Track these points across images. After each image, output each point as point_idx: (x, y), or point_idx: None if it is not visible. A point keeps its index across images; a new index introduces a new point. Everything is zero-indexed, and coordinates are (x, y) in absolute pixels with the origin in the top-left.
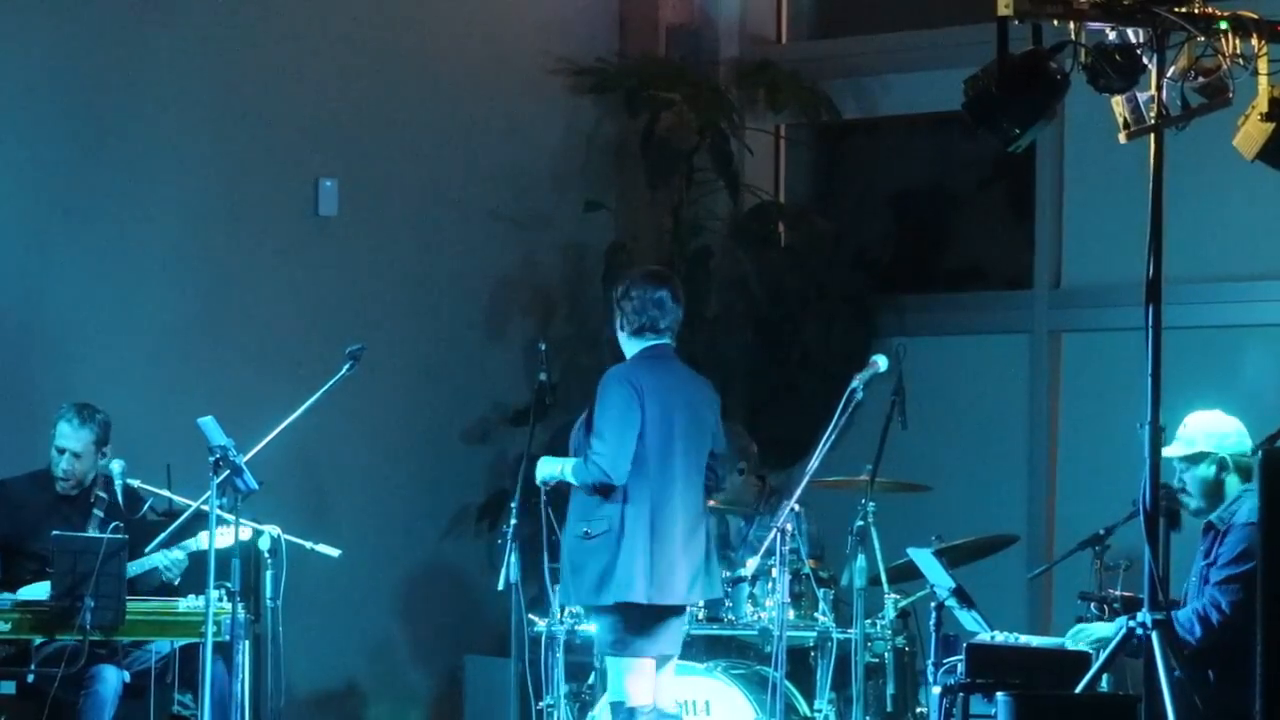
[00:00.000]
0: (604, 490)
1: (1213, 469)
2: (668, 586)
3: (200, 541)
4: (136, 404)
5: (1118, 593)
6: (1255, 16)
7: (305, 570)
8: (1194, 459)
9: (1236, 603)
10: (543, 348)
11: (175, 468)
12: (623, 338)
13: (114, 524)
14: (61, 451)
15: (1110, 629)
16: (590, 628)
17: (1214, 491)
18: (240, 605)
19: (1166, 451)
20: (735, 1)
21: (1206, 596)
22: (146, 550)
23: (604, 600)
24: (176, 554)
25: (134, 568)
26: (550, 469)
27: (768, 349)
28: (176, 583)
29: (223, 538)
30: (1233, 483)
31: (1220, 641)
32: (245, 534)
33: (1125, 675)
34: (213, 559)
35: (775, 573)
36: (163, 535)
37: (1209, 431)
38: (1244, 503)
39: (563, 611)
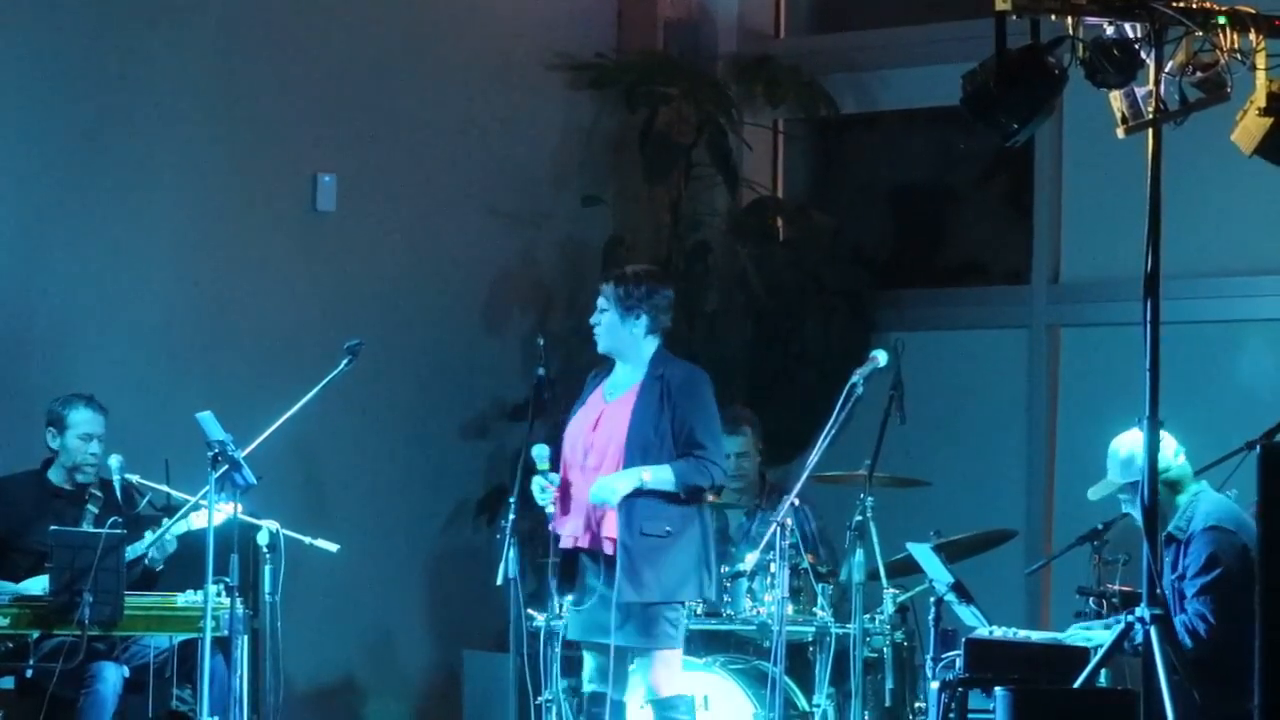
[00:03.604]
0: (703, 492)
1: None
2: (718, 579)
3: (191, 522)
4: (135, 399)
5: (1116, 587)
6: (1253, 11)
7: (304, 565)
8: (1133, 487)
9: (1218, 610)
10: (541, 342)
11: (173, 463)
12: (636, 333)
13: (112, 519)
14: (89, 438)
15: (1105, 636)
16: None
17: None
18: (239, 600)
19: (1099, 491)
20: None
21: (1190, 610)
22: (143, 547)
23: (693, 595)
24: (167, 538)
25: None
26: (627, 481)
27: (766, 344)
28: (159, 569)
29: (215, 516)
30: (1172, 499)
31: (1211, 649)
32: (231, 509)
33: (1124, 670)
34: (211, 555)
35: (774, 568)
36: (160, 531)
37: (1128, 455)
38: (1198, 508)
39: (561, 607)
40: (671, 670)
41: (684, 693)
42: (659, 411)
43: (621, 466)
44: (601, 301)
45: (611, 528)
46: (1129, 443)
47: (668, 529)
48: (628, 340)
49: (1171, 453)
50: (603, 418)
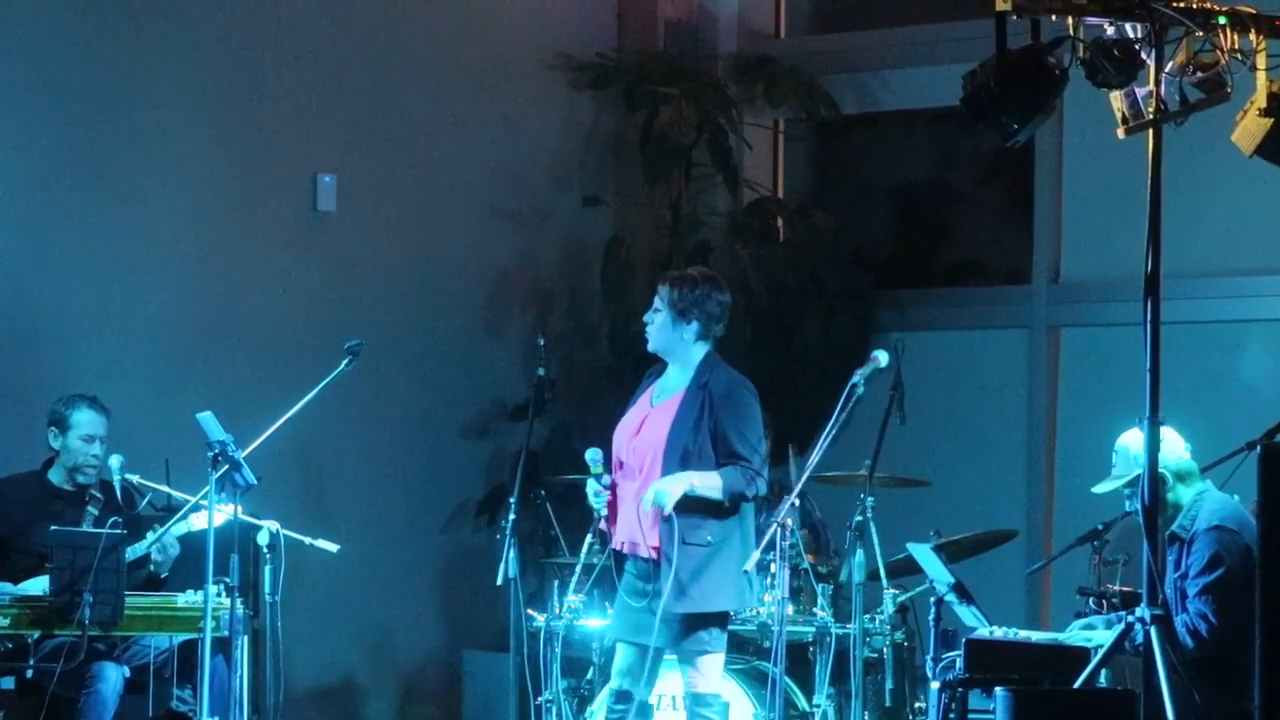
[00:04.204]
0: (747, 501)
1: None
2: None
3: (191, 523)
4: (135, 399)
5: (1116, 587)
6: (1253, 11)
7: (304, 565)
8: (1135, 483)
9: (1220, 610)
10: (541, 343)
11: (174, 463)
12: (686, 338)
13: (113, 519)
14: (91, 439)
15: (1105, 636)
16: (586, 620)
17: (1163, 507)
18: (239, 600)
19: (1105, 487)
20: None
21: (1192, 609)
22: (143, 548)
23: (734, 605)
24: (169, 539)
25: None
26: (678, 486)
27: (767, 344)
28: (164, 575)
29: (215, 518)
30: (1181, 491)
31: (1212, 649)
32: (230, 512)
33: (1124, 670)
34: (211, 556)
35: (774, 568)
36: (161, 530)
37: (1138, 452)
38: (1203, 508)
39: (561, 606)
40: (708, 672)
41: (718, 692)
42: (699, 420)
43: (660, 473)
44: (657, 301)
45: (653, 535)
46: (1137, 439)
47: (710, 539)
48: (677, 343)
49: (1181, 448)
50: (646, 422)
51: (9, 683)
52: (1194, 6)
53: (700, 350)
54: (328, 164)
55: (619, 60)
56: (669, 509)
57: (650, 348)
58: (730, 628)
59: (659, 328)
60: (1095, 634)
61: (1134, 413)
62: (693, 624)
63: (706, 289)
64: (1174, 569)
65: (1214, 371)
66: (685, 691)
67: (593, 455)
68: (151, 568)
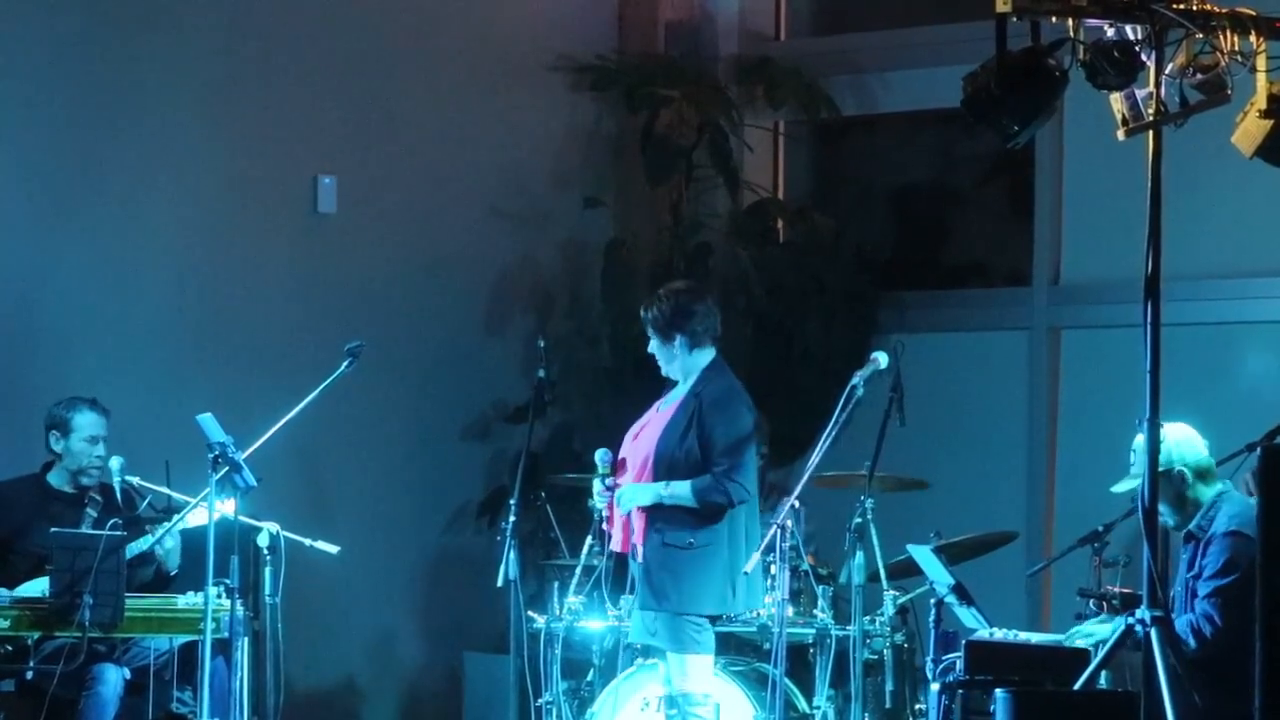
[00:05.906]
0: (722, 509)
1: (1175, 484)
2: (750, 594)
3: (188, 521)
4: (135, 401)
5: (1116, 589)
6: (1254, 13)
7: (304, 567)
8: (1164, 477)
9: (1226, 614)
10: (542, 344)
11: (174, 464)
12: (680, 353)
13: (113, 521)
14: (95, 440)
15: (1106, 630)
16: (599, 621)
17: (1183, 504)
18: (239, 602)
19: (1125, 486)
20: None
21: (1198, 609)
22: (145, 545)
23: (716, 608)
24: (169, 542)
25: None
26: (645, 495)
27: (767, 346)
28: (173, 571)
29: (203, 515)
30: (1201, 490)
31: (1215, 651)
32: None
33: (1124, 672)
34: (211, 557)
35: (774, 569)
36: (162, 532)
37: (1165, 450)
38: (1221, 509)
39: (562, 609)
40: (692, 672)
41: (708, 691)
42: (688, 428)
43: (649, 478)
44: (647, 330)
45: (639, 537)
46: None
47: (691, 541)
48: (675, 361)
49: (1199, 445)
50: (645, 428)
51: (9, 685)
52: (1194, 8)
53: (702, 358)
54: (328, 165)
55: (620, 62)
56: (625, 512)
57: (664, 374)
58: (731, 629)
59: (657, 353)
60: (1094, 626)
61: (1135, 415)
62: (676, 623)
63: (674, 303)
64: (1187, 568)
65: (1214, 373)
66: (675, 691)
67: (601, 456)
68: (164, 565)
